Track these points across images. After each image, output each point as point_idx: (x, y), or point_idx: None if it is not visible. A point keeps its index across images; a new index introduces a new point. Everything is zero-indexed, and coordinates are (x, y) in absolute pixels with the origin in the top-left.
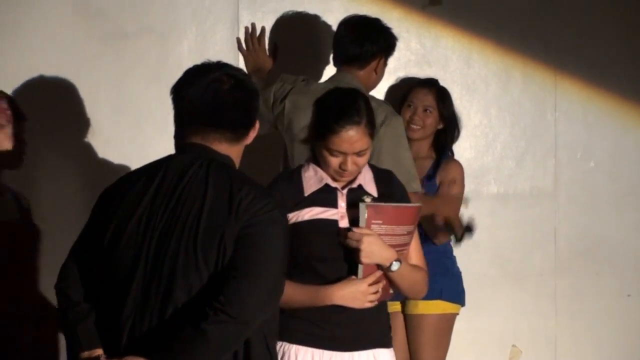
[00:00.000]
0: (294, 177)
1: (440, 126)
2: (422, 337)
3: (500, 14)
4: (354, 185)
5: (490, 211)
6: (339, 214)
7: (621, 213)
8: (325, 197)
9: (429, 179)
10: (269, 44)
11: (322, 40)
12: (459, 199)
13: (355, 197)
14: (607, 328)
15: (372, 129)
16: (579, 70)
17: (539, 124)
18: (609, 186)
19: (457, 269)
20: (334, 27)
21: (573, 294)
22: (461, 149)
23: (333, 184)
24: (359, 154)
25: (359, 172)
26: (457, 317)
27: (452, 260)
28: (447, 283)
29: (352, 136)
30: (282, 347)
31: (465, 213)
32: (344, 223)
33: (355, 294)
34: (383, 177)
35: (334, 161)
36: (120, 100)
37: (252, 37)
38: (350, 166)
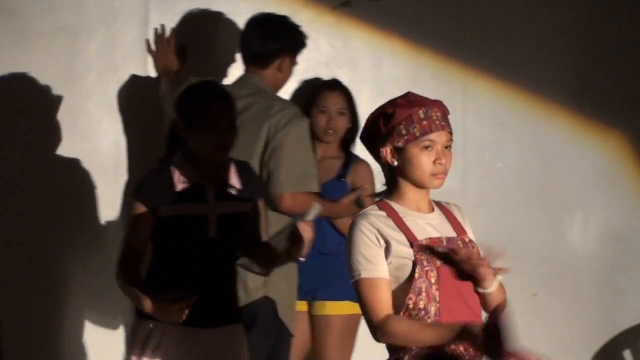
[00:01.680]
0: (164, 174)
1: (349, 126)
2: (330, 337)
3: (410, 15)
4: (222, 179)
5: None
6: (207, 209)
7: (529, 213)
8: (196, 193)
9: (339, 178)
10: (178, 45)
11: (232, 42)
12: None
13: (222, 191)
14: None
15: None
16: (488, 72)
17: None
18: (517, 187)
19: None
20: (241, 27)
21: None
22: None
23: (203, 180)
24: None
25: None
26: None
27: None
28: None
29: None
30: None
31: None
32: (213, 218)
33: None
34: (242, 168)
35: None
36: (31, 100)
37: (162, 38)
38: None
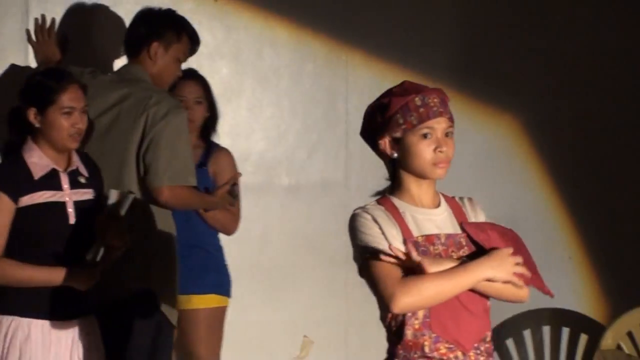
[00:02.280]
0: (20, 163)
1: (207, 115)
2: (198, 331)
3: (293, 5)
4: (73, 167)
5: (282, 203)
6: (64, 195)
7: None
8: (53, 180)
9: (200, 167)
10: (59, 35)
11: (112, 32)
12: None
13: (74, 178)
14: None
15: None
16: (370, 62)
17: (330, 116)
18: None
19: (225, 262)
20: (125, 19)
21: (364, 283)
22: (252, 141)
23: (58, 168)
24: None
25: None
26: (249, 309)
27: (222, 254)
28: (220, 277)
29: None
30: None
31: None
32: (70, 204)
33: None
34: (84, 158)
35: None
36: None
37: (42, 28)
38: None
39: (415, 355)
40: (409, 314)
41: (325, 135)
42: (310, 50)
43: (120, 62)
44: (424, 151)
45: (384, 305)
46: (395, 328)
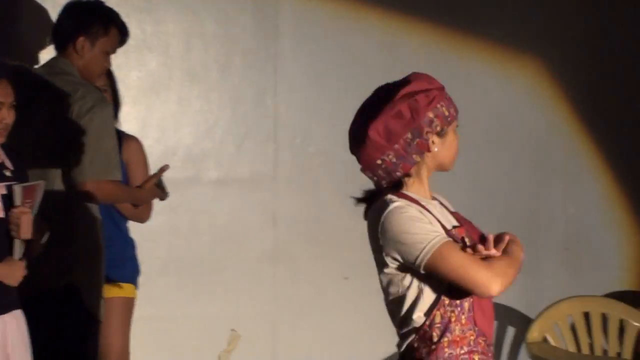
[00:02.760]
0: None
1: None
2: (115, 320)
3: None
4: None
5: (211, 196)
6: None
7: (340, 197)
8: None
9: None
10: None
11: (39, 25)
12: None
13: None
14: (325, 310)
15: None
16: (298, 55)
17: (259, 109)
18: (328, 170)
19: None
20: (51, 12)
21: (292, 277)
22: (181, 135)
23: None
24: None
25: None
26: (176, 303)
27: (134, 244)
28: (135, 267)
29: None
30: None
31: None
32: None
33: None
34: (8, 150)
35: None
36: None
37: None
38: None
39: (462, 352)
40: (459, 310)
41: (253, 129)
42: (239, 44)
43: (47, 54)
44: (456, 145)
45: (479, 290)
46: (437, 329)
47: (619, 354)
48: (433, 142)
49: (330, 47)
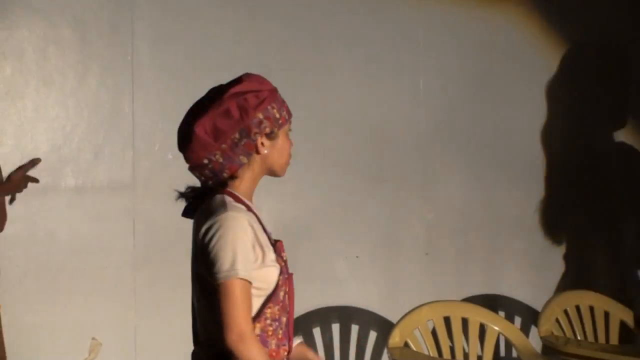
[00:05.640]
0: None
1: None
2: None
3: (75, 5)
4: None
5: (68, 204)
6: None
7: None
8: None
9: None
10: None
11: None
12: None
13: None
14: (187, 316)
15: None
16: (156, 61)
17: (116, 116)
18: (187, 177)
19: None
20: None
21: (153, 284)
22: (38, 142)
23: None
24: None
25: None
26: (36, 311)
27: None
28: None
29: None
30: None
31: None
32: None
33: None
34: None
35: None
36: None
37: None
38: None
39: None
40: (276, 324)
41: (111, 135)
42: (95, 50)
43: None
44: (288, 150)
45: (227, 333)
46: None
47: (480, 357)
48: (262, 144)
49: (188, 53)
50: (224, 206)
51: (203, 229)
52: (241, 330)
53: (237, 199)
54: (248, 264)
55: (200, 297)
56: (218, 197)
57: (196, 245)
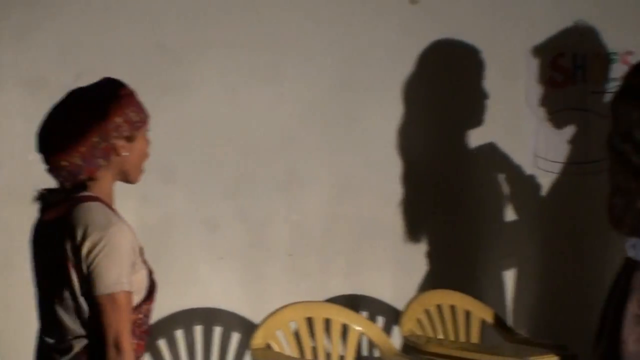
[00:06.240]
0: None
1: None
2: None
3: None
4: None
5: None
6: None
7: None
8: None
9: None
10: None
11: None
12: None
13: None
14: None
15: None
16: (19, 62)
17: None
18: (49, 178)
19: None
20: None
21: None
22: None
23: None
24: None
25: None
26: None
27: None
28: None
29: None
30: None
31: None
32: None
33: None
34: None
35: None
36: None
37: None
38: None
39: None
40: (144, 316)
41: None
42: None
43: None
44: (145, 152)
45: (109, 341)
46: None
47: (342, 357)
48: (122, 146)
49: (49, 53)
50: (105, 217)
51: (88, 241)
52: (120, 343)
53: (108, 205)
54: (130, 276)
55: (64, 301)
56: (92, 205)
57: (62, 249)
